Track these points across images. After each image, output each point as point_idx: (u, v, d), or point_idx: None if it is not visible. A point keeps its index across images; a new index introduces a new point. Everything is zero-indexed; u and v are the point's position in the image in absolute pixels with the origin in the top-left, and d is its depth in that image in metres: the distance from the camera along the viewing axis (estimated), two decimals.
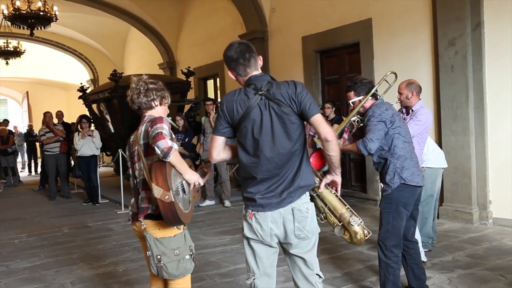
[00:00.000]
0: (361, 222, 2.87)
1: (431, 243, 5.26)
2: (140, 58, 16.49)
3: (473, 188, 6.39)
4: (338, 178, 2.78)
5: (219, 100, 12.16)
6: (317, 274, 2.76)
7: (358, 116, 3.91)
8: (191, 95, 11.52)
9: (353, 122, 4.13)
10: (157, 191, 2.65)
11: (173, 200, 2.67)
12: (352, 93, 3.81)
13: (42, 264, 5.50)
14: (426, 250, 4.93)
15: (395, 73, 4.12)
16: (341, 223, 2.87)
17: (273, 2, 9.90)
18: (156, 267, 2.82)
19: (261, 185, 2.66)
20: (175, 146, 2.69)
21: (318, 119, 2.61)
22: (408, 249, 3.90)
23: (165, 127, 2.71)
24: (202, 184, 2.94)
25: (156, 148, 2.64)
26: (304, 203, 2.68)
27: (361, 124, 4.03)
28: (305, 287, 2.76)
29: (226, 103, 2.71)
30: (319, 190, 2.83)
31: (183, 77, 10.41)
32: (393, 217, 3.70)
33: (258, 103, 2.63)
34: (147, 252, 2.85)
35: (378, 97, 3.83)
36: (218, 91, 12.52)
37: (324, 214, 2.89)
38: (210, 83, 13.12)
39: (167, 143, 2.64)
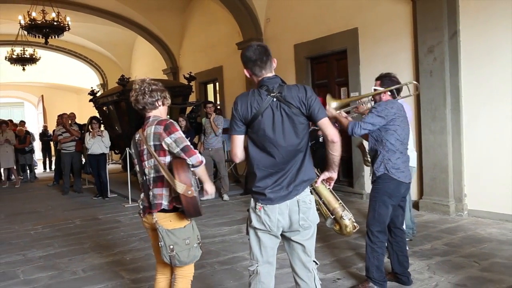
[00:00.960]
0: (351, 217, 2.89)
1: (412, 233, 5.27)
2: (145, 64, 16.46)
3: (450, 183, 6.41)
4: (334, 175, 2.81)
5: (218, 102, 12.17)
6: (314, 261, 2.79)
7: (372, 100, 4.02)
8: (192, 98, 11.52)
9: (361, 102, 4.26)
10: (181, 187, 2.67)
11: (195, 195, 2.71)
12: (379, 82, 3.93)
13: (56, 253, 5.50)
14: (407, 239, 4.94)
15: (417, 85, 4.20)
16: (333, 216, 2.90)
17: (268, 12, 9.90)
18: (169, 256, 2.81)
19: (268, 179, 2.66)
20: (204, 159, 2.79)
21: (325, 122, 2.66)
22: (396, 236, 3.93)
23: (184, 137, 2.79)
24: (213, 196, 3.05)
25: (188, 161, 2.72)
26: (307, 195, 2.71)
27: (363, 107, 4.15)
28: (302, 272, 2.77)
29: (240, 104, 2.70)
30: (315, 184, 2.84)
31: (185, 82, 10.40)
32: (379, 205, 3.75)
33: (270, 104, 2.65)
34: (160, 243, 2.82)
35: (396, 96, 3.90)
36: (217, 95, 12.51)
37: (317, 206, 2.89)
38: (210, 87, 13.11)
39: (199, 158, 2.75)
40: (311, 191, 2.82)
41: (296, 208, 2.66)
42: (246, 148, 2.75)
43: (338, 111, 3.79)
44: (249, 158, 2.74)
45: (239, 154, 2.77)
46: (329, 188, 2.90)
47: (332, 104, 3.81)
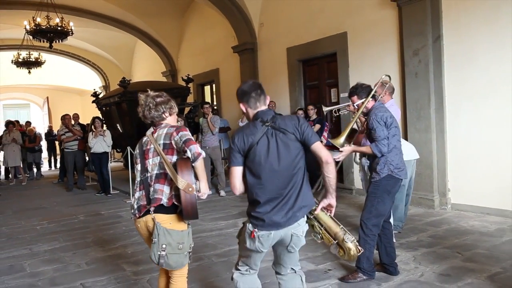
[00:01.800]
0: (354, 239, 2.79)
1: (400, 227, 5.28)
2: (146, 67, 16.41)
3: (434, 178, 6.43)
4: (333, 201, 2.75)
5: (215, 103, 12.15)
6: (292, 268, 2.86)
7: (363, 116, 4.02)
8: (190, 99, 11.47)
9: (356, 127, 4.32)
10: (182, 183, 2.64)
11: (195, 192, 2.68)
12: (355, 97, 3.88)
13: (60, 247, 5.48)
14: (395, 232, 4.95)
15: (389, 76, 4.23)
16: (336, 241, 2.80)
17: (261, 17, 9.89)
18: (158, 255, 2.72)
19: (268, 205, 2.63)
20: (203, 153, 2.71)
21: (318, 146, 2.67)
22: (384, 229, 3.94)
23: (190, 135, 2.76)
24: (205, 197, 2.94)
25: (188, 150, 2.66)
26: (301, 227, 2.70)
27: (362, 128, 4.18)
28: (282, 273, 2.88)
29: (237, 137, 2.71)
30: (315, 212, 2.77)
31: (183, 83, 10.37)
32: (378, 201, 3.77)
33: (265, 132, 2.66)
34: (153, 239, 2.74)
35: (377, 98, 3.90)
36: (214, 96, 12.49)
37: (320, 235, 2.82)
38: (207, 88, 13.09)
39: (198, 149, 2.68)
40: (309, 219, 2.79)
41: (288, 240, 2.69)
42: (244, 178, 2.71)
43: (348, 144, 3.88)
44: (248, 187, 2.71)
45: (237, 185, 2.71)
46: (329, 215, 2.81)
47: (341, 140, 3.84)
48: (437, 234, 5.18)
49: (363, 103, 3.83)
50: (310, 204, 2.73)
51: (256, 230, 2.63)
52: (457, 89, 6.21)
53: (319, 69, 8.74)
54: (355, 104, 3.90)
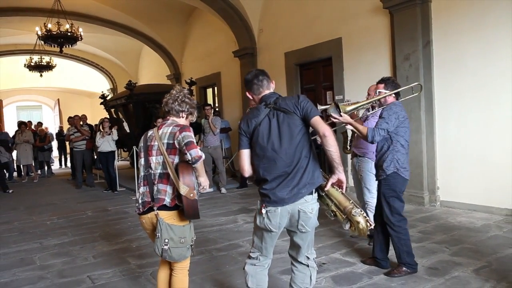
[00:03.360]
0: (362, 212, 2.61)
1: None
2: (151, 71, 16.39)
3: (424, 177, 6.42)
4: (342, 176, 2.60)
5: (216, 105, 12.14)
6: (306, 256, 2.79)
7: (376, 103, 3.98)
8: None
9: (368, 107, 4.29)
10: (184, 189, 2.61)
11: (197, 198, 2.65)
12: (382, 86, 3.83)
13: (69, 241, 5.48)
14: None
15: (421, 85, 4.18)
16: (346, 216, 2.62)
17: (260, 24, 9.88)
18: (162, 249, 2.71)
19: (274, 182, 2.60)
20: (203, 155, 2.68)
21: (317, 120, 2.58)
22: (384, 227, 3.87)
23: (193, 136, 2.71)
24: (208, 189, 2.93)
25: (188, 154, 2.61)
26: (310, 204, 2.61)
27: (370, 112, 4.16)
28: (298, 260, 2.81)
29: (243, 122, 2.73)
30: (326, 188, 2.64)
31: (186, 86, 10.36)
32: (393, 200, 3.73)
33: (267, 114, 2.65)
34: (157, 234, 2.72)
35: (399, 98, 3.87)
36: (216, 98, 12.47)
37: (333, 212, 2.66)
38: (209, 91, 13.07)
39: (198, 152, 2.63)
40: (321, 197, 2.68)
41: (296, 216, 2.61)
42: (252, 160, 2.70)
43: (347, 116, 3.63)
44: (255, 167, 2.70)
45: (246, 168, 2.72)
46: (340, 191, 2.65)
47: (347, 108, 3.64)
48: (426, 229, 5.17)
49: (385, 93, 3.75)
50: (317, 182, 2.63)
51: (263, 206, 2.63)
52: (446, 92, 6.21)
53: (315, 73, 8.73)
54: (378, 91, 3.83)
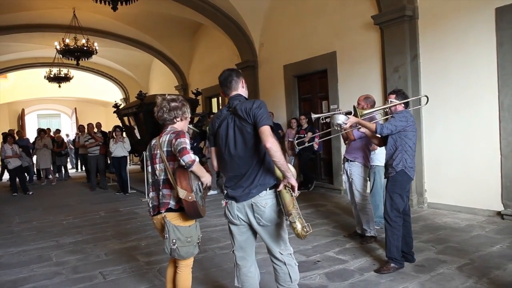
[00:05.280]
0: (300, 219, 2.52)
1: (382, 223, 5.24)
2: (160, 82, 16.46)
3: (413, 180, 6.39)
4: (291, 181, 2.50)
5: None
6: (279, 252, 2.66)
7: (387, 111, 4.16)
8: (199, 110, 11.52)
9: (380, 113, 4.50)
10: (182, 193, 2.60)
11: (195, 200, 2.63)
12: (394, 96, 3.94)
13: (83, 240, 5.49)
14: (377, 227, 4.93)
15: (427, 97, 4.29)
16: (287, 217, 2.59)
17: (261, 38, 9.92)
18: (170, 249, 2.74)
19: (231, 181, 2.65)
20: (197, 158, 2.62)
21: (263, 130, 2.43)
22: (405, 222, 3.91)
23: (187, 142, 2.64)
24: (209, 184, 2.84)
25: (181, 161, 2.58)
26: (263, 199, 2.56)
27: (375, 120, 4.20)
28: (274, 259, 2.71)
29: (211, 122, 2.76)
30: (278, 189, 2.56)
31: (193, 96, 10.41)
32: (396, 196, 3.77)
33: (227, 117, 2.63)
34: (165, 235, 2.74)
35: (408, 108, 4.01)
36: (220, 107, 12.51)
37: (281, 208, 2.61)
38: (214, 100, 13.11)
39: (191, 157, 2.57)
40: (277, 194, 2.59)
41: (250, 210, 2.60)
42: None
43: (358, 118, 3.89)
44: (218, 164, 2.77)
45: (215, 163, 2.80)
46: (291, 194, 2.55)
47: (364, 112, 3.97)
48: (414, 229, 5.08)
49: (395, 102, 3.90)
50: (267, 183, 2.57)
51: (224, 199, 2.71)
52: (432, 102, 6.15)
53: (312, 84, 8.75)
54: (389, 100, 3.93)
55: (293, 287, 2.71)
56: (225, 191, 2.70)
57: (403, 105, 3.92)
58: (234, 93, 2.69)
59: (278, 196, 2.60)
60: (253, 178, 2.57)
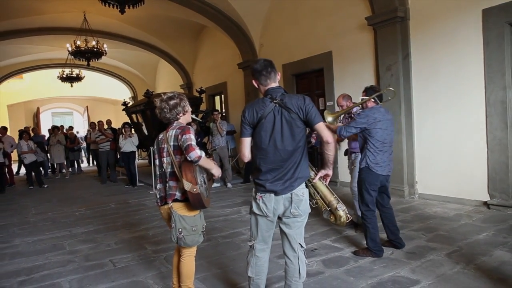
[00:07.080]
0: (345, 208, 2.61)
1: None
2: (166, 81, 16.42)
3: (404, 172, 6.40)
4: (330, 172, 2.55)
5: (223, 110, 12.14)
6: (299, 243, 2.57)
7: (360, 108, 4.08)
8: (203, 107, 11.49)
9: (352, 114, 4.40)
10: (187, 185, 2.58)
11: (200, 192, 2.61)
12: (364, 93, 3.88)
13: (94, 230, 5.50)
14: None
15: (394, 91, 4.20)
16: (329, 208, 2.64)
17: (261, 39, 9.87)
18: (177, 237, 2.74)
19: (269, 174, 2.47)
20: (203, 153, 2.58)
21: (321, 126, 2.44)
22: (385, 213, 3.94)
23: (192, 138, 2.62)
24: (220, 175, 2.82)
25: (188, 157, 2.56)
26: (300, 189, 2.49)
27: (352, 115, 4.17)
28: (289, 252, 2.59)
29: (247, 111, 2.51)
30: (313, 180, 2.57)
31: (197, 94, 10.38)
32: (363, 192, 3.78)
33: (273, 109, 2.44)
34: (172, 224, 2.74)
35: (379, 103, 3.85)
36: (223, 104, 12.47)
37: (315, 200, 2.65)
38: (217, 98, 13.06)
39: (197, 153, 2.55)
40: (308, 186, 2.58)
41: (289, 199, 2.47)
42: (251, 148, 2.55)
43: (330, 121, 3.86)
44: (254, 156, 2.55)
45: (247, 154, 2.56)
46: (325, 184, 2.60)
47: (329, 118, 3.85)
48: (405, 219, 5.15)
49: (366, 100, 3.82)
50: (306, 176, 2.51)
51: (259, 193, 2.51)
52: (423, 98, 6.18)
53: (309, 82, 8.71)
54: (360, 98, 3.89)
55: (300, 284, 2.61)
56: (261, 185, 2.50)
57: (373, 101, 3.80)
58: (273, 84, 2.54)
59: (310, 187, 2.57)
60: (293, 171, 2.46)
